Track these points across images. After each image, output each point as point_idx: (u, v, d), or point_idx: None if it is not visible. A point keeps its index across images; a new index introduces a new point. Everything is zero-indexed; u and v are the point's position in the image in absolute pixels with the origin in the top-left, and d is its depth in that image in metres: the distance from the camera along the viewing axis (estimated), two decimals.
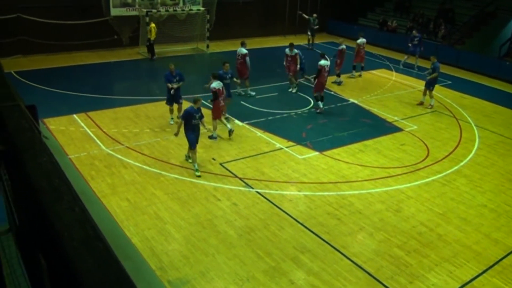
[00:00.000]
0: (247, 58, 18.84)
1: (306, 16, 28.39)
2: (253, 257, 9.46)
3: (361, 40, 23.54)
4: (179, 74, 15.59)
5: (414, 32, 25.64)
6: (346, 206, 11.62)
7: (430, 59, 19.43)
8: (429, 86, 19.22)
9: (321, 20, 31.11)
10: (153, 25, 23.58)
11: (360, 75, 23.63)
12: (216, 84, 14.78)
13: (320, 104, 17.80)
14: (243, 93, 19.18)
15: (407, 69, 25.05)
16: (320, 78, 17.61)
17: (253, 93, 19.32)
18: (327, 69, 17.65)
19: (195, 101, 12.74)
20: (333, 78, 21.21)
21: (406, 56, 25.60)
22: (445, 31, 28.92)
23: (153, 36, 23.61)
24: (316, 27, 28.47)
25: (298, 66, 19.73)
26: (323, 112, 17.75)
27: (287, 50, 19.89)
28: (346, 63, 22.22)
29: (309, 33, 28.75)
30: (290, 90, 20.20)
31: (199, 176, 12.47)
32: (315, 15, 28.46)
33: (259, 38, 30.06)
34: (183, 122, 12.67)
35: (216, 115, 14.89)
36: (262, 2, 30.60)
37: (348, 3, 33.39)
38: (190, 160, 13.05)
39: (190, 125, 12.62)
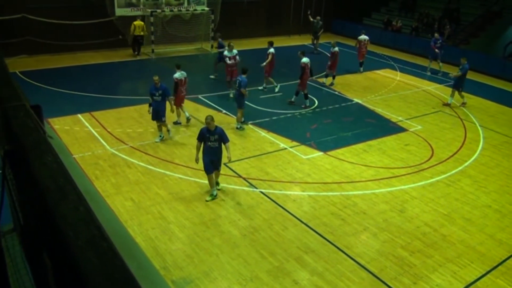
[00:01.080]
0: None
1: (311, 18, 28.27)
2: (257, 257, 9.46)
3: (362, 37, 24.01)
4: (164, 89, 14.20)
5: (436, 35, 24.83)
6: (350, 206, 11.61)
7: (461, 61, 19.48)
8: (458, 87, 19.46)
9: (326, 20, 31.12)
10: (136, 22, 23.79)
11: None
12: (178, 75, 15.50)
13: (307, 102, 18.36)
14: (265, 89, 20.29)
15: (433, 76, 24.38)
16: (304, 75, 17.93)
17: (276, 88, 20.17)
18: (309, 65, 17.90)
19: (206, 122, 11.13)
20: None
21: (430, 62, 24.92)
22: (450, 30, 28.85)
23: (137, 32, 23.95)
24: (320, 30, 28.22)
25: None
26: (306, 108, 18.26)
27: (270, 49, 19.85)
28: (350, 63, 22.18)
29: (312, 35, 28.71)
30: (276, 91, 20.10)
31: (207, 201, 11.42)
32: (318, 17, 28.35)
33: (264, 38, 29.98)
34: (198, 143, 11.25)
35: (177, 103, 15.59)
36: (267, 2, 30.60)
37: (353, 3, 33.35)
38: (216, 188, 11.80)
39: (206, 147, 11.17)
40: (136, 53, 24.69)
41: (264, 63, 19.67)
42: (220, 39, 21.40)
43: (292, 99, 18.49)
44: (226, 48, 18.81)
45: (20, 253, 1.96)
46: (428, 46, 24.85)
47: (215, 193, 11.55)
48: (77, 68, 21.98)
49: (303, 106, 18.26)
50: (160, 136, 14.57)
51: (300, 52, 18.37)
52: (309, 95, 18.44)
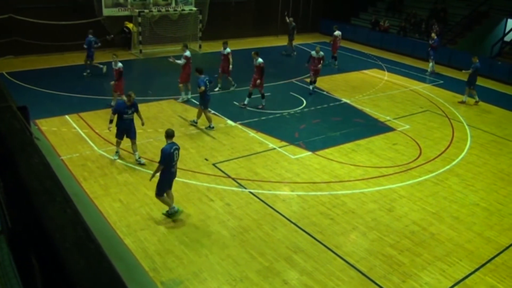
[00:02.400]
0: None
1: (287, 20, 27.52)
2: (247, 257, 9.46)
3: (338, 32, 24.88)
4: (136, 104, 12.98)
5: (433, 34, 25.00)
6: (339, 205, 11.64)
7: (472, 60, 20.14)
8: (469, 85, 20.13)
9: (313, 20, 31.20)
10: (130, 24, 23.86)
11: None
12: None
13: (247, 100, 17.92)
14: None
15: (435, 79, 24.51)
16: (263, 76, 17.54)
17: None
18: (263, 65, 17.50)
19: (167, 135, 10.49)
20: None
21: (431, 63, 25.17)
22: (438, 30, 29.02)
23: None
24: (293, 32, 27.39)
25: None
26: (245, 106, 17.92)
27: (226, 49, 19.20)
28: (340, 63, 22.23)
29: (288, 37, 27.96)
30: (231, 89, 19.88)
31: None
32: (291, 18, 27.52)
33: (252, 38, 30.07)
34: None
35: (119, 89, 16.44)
36: (255, 2, 30.60)
37: (340, 3, 33.44)
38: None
39: (170, 166, 10.40)
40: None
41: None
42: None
43: (245, 102, 17.86)
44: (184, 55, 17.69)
45: (8, 255, 1.95)
46: (420, 48, 25.15)
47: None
48: (64, 69, 21.84)
49: (260, 106, 17.87)
50: (117, 153, 13.32)
51: (254, 53, 17.94)
52: (297, 96, 18.46)
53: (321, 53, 19.89)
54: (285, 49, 27.69)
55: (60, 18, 23.21)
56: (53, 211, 1.47)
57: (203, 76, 15.28)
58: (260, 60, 17.44)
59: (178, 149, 10.46)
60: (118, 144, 13.17)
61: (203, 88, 14.99)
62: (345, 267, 9.38)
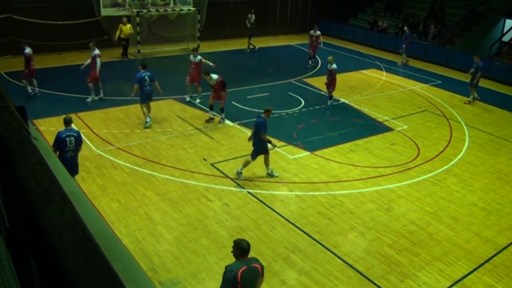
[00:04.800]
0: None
1: (248, 15, 27.22)
2: None
3: (318, 32, 24.89)
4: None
5: (405, 28, 26.70)
6: (337, 205, 11.65)
7: (474, 59, 20.48)
8: (471, 84, 20.52)
9: (312, 20, 31.15)
10: (121, 25, 23.62)
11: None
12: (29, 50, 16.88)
13: (212, 113, 16.44)
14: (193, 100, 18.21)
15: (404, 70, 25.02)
16: (224, 90, 16.17)
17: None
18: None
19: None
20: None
21: (404, 55, 26.56)
22: (436, 31, 29.08)
23: (123, 34, 23.79)
24: (252, 28, 27.21)
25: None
26: (211, 121, 16.47)
27: (197, 57, 17.95)
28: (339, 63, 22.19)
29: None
30: (193, 99, 18.27)
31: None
32: (250, 15, 27.26)
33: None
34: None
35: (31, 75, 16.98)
36: (253, 2, 30.59)
37: (339, 3, 33.47)
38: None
39: (63, 151, 10.31)
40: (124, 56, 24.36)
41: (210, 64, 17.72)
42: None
43: (211, 116, 16.36)
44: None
45: (6, 256, 1.95)
46: (419, 48, 25.54)
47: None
48: (62, 69, 21.82)
49: (221, 121, 16.39)
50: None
51: (205, 73, 16.18)
52: (295, 95, 18.43)
53: (333, 65, 18.32)
54: (250, 48, 27.88)
55: (58, 18, 23.18)
56: (51, 211, 1.46)
57: (143, 71, 15.46)
58: (213, 76, 15.81)
59: (74, 136, 10.36)
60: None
61: (136, 86, 15.28)
62: (343, 267, 9.39)
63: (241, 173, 12.58)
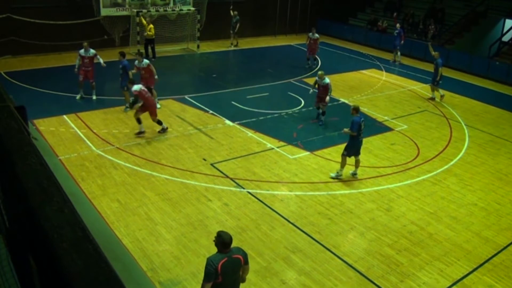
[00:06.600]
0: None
1: (232, 12, 27.08)
2: None
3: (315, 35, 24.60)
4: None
5: (398, 25, 26.90)
6: (337, 205, 11.65)
7: (434, 56, 20.34)
8: (432, 81, 20.51)
9: (311, 20, 31.18)
10: (144, 22, 23.50)
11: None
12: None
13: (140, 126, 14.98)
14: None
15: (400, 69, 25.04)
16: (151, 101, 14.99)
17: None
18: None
19: None
20: None
21: (398, 52, 26.70)
22: (435, 31, 29.07)
23: (152, 34, 23.62)
24: (237, 25, 27.02)
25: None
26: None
27: (136, 62, 16.96)
28: (336, 63, 22.25)
29: (231, 31, 27.65)
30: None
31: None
32: (235, 12, 26.99)
33: (250, 38, 30.06)
34: None
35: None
36: (253, 2, 30.60)
37: (338, 3, 33.47)
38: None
39: None
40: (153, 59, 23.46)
41: None
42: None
43: (141, 130, 14.93)
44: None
45: (6, 256, 1.95)
46: (418, 48, 25.54)
47: None
48: (62, 69, 21.79)
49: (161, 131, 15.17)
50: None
51: (129, 82, 15.44)
52: (295, 95, 18.42)
53: (325, 80, 16.64)
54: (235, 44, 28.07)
55: (58, 18, 23.18)
56: (50, 211, 1.46)
57: (124, 59, 16.89)
58: (134, 87, 14.51)
59: None
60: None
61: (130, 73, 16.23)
62: (343, 267, 9.39)
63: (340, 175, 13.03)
